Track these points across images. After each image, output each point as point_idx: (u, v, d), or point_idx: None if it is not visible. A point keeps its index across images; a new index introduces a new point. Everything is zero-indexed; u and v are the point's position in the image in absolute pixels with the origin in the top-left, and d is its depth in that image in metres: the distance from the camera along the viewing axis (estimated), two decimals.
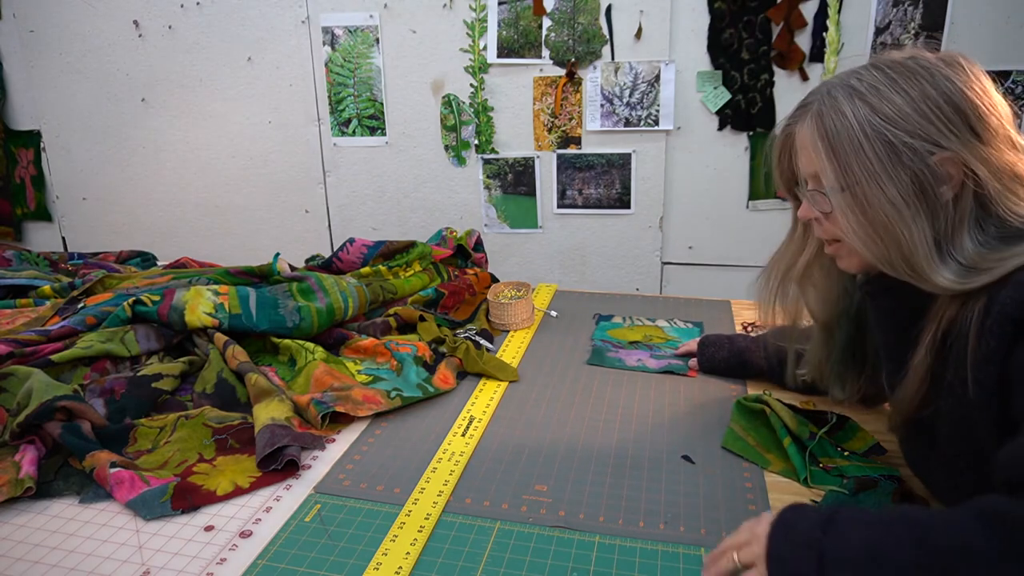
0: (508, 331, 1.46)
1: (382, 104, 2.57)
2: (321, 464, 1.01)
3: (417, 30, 2.47)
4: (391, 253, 1.60)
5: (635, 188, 2.49)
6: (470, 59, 2.46)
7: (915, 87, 0.77)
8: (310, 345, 1.29)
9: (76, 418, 1.04)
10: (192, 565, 0.82)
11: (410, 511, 0.90)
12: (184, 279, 1.53)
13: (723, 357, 1.23)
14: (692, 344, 1.30)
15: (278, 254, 1.54)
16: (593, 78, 2.40)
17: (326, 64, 2.56)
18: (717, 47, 2.31)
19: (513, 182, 2.57)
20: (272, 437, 1.00)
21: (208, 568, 0.82)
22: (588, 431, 1.08)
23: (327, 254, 1.69)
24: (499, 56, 2.44)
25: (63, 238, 3.00)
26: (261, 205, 2.79)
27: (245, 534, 0.87)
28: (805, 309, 1.02)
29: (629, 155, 2.46)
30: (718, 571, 0.73)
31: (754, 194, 2.43)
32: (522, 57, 2.43)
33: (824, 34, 2.23)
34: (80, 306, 1.42)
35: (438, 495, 0.93)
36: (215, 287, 1.39)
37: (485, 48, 2.44)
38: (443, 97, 2.53)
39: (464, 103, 2.52)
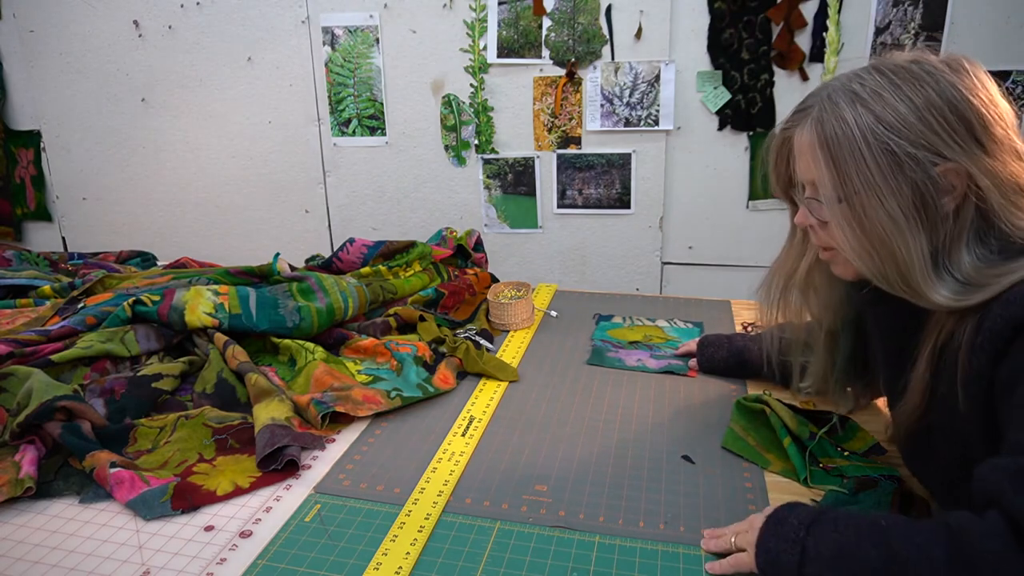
0: (508, 331, 1.46)
1: (382, 104, 2.57)
2: (321, 464, 1.01)
3: (417, 30, 2.47)
4: (391, 253, 1.60)
5: (635, 188, 2.49)
6: (470, 59, 2.46)
7: (919, 94, 0.75)
8: (310, 345, 1.29)
9: (76, 418, 1.04)
10: (192, 565, 0.82)
11: (410, 511, 0.90)
12: (184, 279, 1.53)
13: (722, 357, 1.23)
14: (692, 344, 1.30)
15: (278, 254, 1.54)
16: (593, 78, 2.40)
17: (326, 64, 2.56)
18: (717, 47, 2.31)
19: (513, 182, 2.57)
20: (272, 437, 1.00)
21: (208, 568, 0.82)
22: (588, 431, 1.08)
23: (327, 254, 1.69)
24: (499, 56, 2.44)
25: (63, 238, 3.00)
26: (261, 205, 2.79)
27: (245, 534, 0.87)
28: (808, 316, 1.01)
29: (629, 155, 2.46)
30: (716, 546, 0.81)
31: (754, 194, 2.43)
32: (522, 57, 2.43)
33: (824, 34, 2.23)
34: (80, 306, 1.42)
35: (438, 495, 0.93)
36: (215, 287, 1.39)
37: (485, 48, 2.44)
38: (443, 97, 2.53)
39: (464, 103, 2.52)
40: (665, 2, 2.29)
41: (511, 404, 1.17)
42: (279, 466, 0.98)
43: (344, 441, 1.07)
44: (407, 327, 1.43)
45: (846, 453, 0.99)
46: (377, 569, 0.80)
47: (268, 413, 1.06)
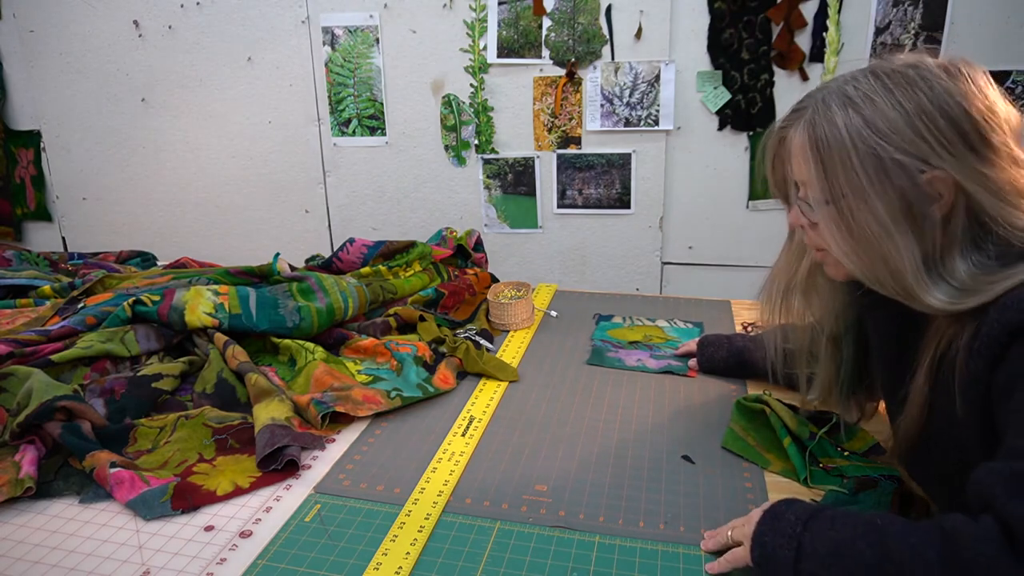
0: (508, 331, 1.46)
1: (382, 104, 2.57)
2: (321, 464, 1.01)
3: (417, 30, 2.47)
4: (391, 253, 1.60)
5: (635, 188, 2.49)
6: (470, 59, 2.46)
7: (911, 100, 0.74)
8: (310, 345, 1.29)
9: (76, 418, 1.04)
10: (192, 565, 0.82)
11: (410, 511, 0.90)
12: (184, 279, 1.53)
13: (722, 357, 1.23)
14: (692, 344, 1.30)
15: (278, 254, 1.54)
16: (593, 78, 2.40)
17: (326, 64, 2.56)
18: (717, 47, 2.31)
19: (513, 182, 2.57)
20: (272, 437, 1.00)
21: (208, 568, 0.82)
22: (588, 431, 1.08)
23: (327, 254, 1.69)
24: (499, 56, 2.44)
25: (63, 238, 3.00)
26: (261, 205, 2.79)
27: (245, 534, 0.87)
28: (811, 319, 1.00)
29: (629, 155, 2.46)
30: (715, 543, 0.82)
31: (754, 194, 2.43)
32: (522, 57, 2.43)
33: (824, 34, 2.23)
34: (80, 306, 1.42)
35: (438, 495, 0.93)
36: (215, 287, 1.39)
37: (485, 48, 2.44)
38: (443, 97, 2.53)
39: (464, 103, 2.52)
40: (665, 2, 2.29)
41: (511, 404, 1.17)
42: (279, 466, 0.98)
43: (344, 441, 1.07)
44: (407, 327, 1.43)
45: (846, 453, 0.99)
46: (377, 569, 0.80)
47: (268, 413, 1.06)
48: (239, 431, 1.07)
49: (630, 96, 2.39)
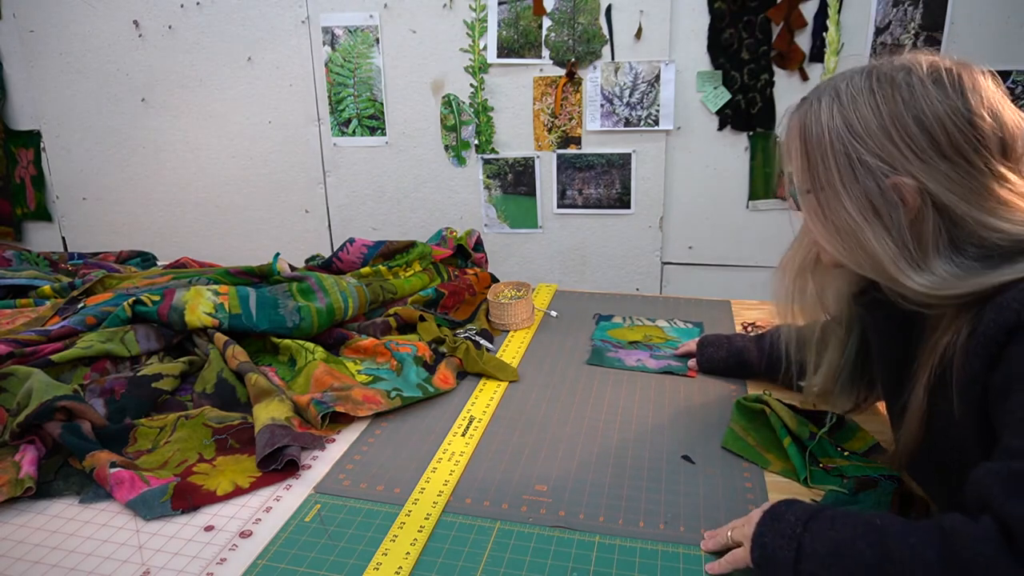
0: (508, 331, 1.46)
1: (382, 104, 2.57)
2: (321, 464, 1.01)
3: (417, 30, 2.47)
4: (391, 253, 1.60)
5: (635, 188, 2.49)
6: (470, 59, 2.46)
7: (889, 104, 0.76)
8: (310, 345, 1.29)
9: (76, 418, 1.04)
10: (192, 565, 0.82)
11: (410, 511, 0.90)
12: (184, 279, 1.53)
13: (722, 357, 1.23)
14: (691, 344, 1.30)
15: (278, 254, 1.54)
16: (593, 78, 2.40)
17: (326, 64, 2.56)
18: (717, 47, 2.31)
19: (513, 182, 2.57)
20: (272, 437, 1.00)
21: (208, 568, 0.82)
22: (588, 431, 1.08)
23: (327, 254, 1.69)
24: (499, 56, 2.44)
25: (63, 238, 3.00)
26: (261, 205, 2.79)
27: (245, 534, 0.87)
28: (823, 305, 1.00)
29: (629, 155, 2.46)
30: (715, 543, 0.82)
31: (754, 194, 2.43)
32: (522, 57, 2.43)
33: (824, 34, 2.23)
34: (80, 306, 1.42)
35: (438, 495, 0.93)
36: (215, 287, 1.39)
37: (485, 48, 2.44)
38: (443, 97, 2.53)
39: (464, 103, 2.52)
40: (665, 2, 2.29)
41: (511, 404, 1.17)
42: (279, 466, 0.98)
43: (344, 441, 1.07)
44: (407, 327, 1.43)
45: (846, 453, 0.99)
46: (377, 569, 0.80)
47: (268, 413, 1.06)
48: (239, 431, 1.07)
49: (630, 96, 2.39)
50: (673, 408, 1.15)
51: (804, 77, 2.29)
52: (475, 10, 2.41)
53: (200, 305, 1.31)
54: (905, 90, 0.76)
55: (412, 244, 1.61)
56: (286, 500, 0.94)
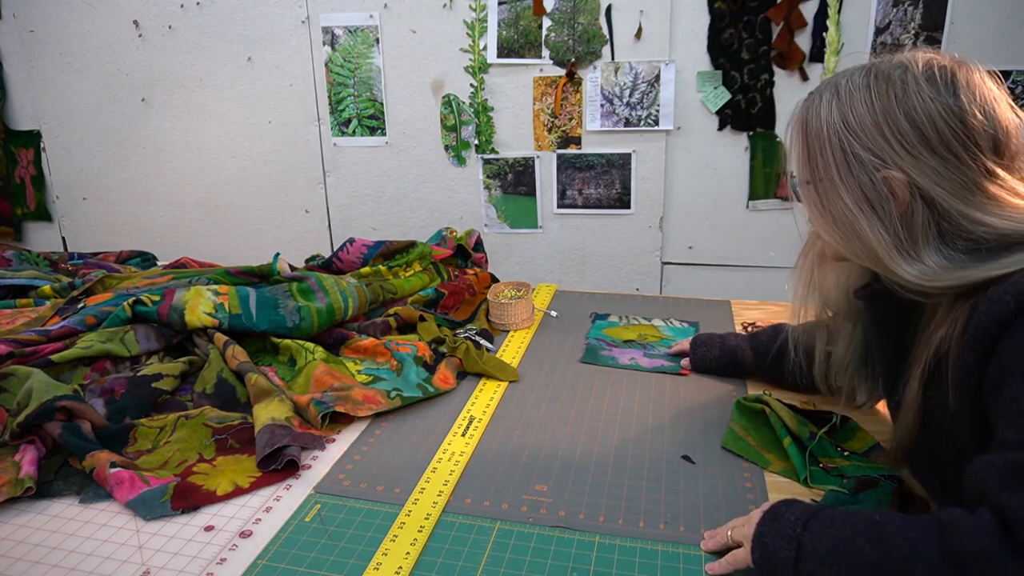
0: (508, 331, 1.46)
1: (382, 104, 2.57)
2: (321, 464, 1.01)
3: (417, 30, 2.47)
4: (391, 253, 1.60)
5: (635, 188, 2.49)
6: (470, 59, 2.47)
7: (883, 101, 0.78)
8: (310, 345, 1.29)
9: (76, 418, 1.04)
10: (192, 565, 0.82)
11: (410, 511, 0.90)
12: (184, 279, 1.53)
13: (715, 356, 1.23)
14: (685, 343, 1.30)
15: (278, 254, 1.54)
16: (593, 78, 2.40)
17: (326, 64, 2.56)
18: (717, 47, 2.31)
19: (513, 182, 2.57)
20: (272, 437, 1.00)
21: (208, 568, 0.82)
22: (588, 431, 1.08)
23: (327, 254, 1.69)
24: (499, 56, 2.44)
25: (63, 238, 3.00)
26: (261, 205, 2.79)
27: (245, 534, 0.87)
28: (829, 302, 1.01)
29: (629, 155, 2.46)
30: (715, 543, 0.82)
31: (754, 194, 2.43)
32: (522, 57, 2.43)
33: (824, 34, 2.23)
34: (80, 306, 1.42)
35: (438, 495, 0.93)
36: (215, 287, 1.39)
37: (485, 48, 2.44)
38: (443, 97, 2.53)
39: (464, 103, 2.52)
40: (665, 2, 2.29)
41: (511, 404, 1.17)
42: (279, 466, 0.98)
43: (344, 441, 1.07)
44: (407, 327, 1.43)
45: (846, 453, 0.99)
46: (377, 569, 0.80)
47: (268, 413, 1.06)
48: (239, 431, 1.07)
49: (630, 96, 2.39)
50: (673, 408, 1.15)
51: (804, 77, 2.29)
52: (475, 10, 2.41)
53: (200, 305, 1.31)
54: (899, 87, 0.78)
55: (412, 244, 1.61)
56: (286, 500, 0.94)
